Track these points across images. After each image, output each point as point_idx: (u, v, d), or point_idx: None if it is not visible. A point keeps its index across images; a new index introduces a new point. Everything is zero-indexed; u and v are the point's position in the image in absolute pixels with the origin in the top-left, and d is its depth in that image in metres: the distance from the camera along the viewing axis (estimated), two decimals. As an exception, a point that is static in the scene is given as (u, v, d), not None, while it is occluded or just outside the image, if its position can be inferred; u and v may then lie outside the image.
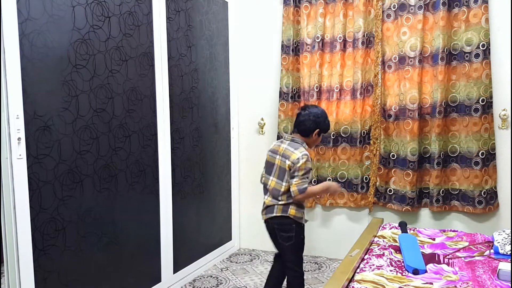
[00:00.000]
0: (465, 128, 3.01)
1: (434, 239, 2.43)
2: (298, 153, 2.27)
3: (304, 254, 3.58)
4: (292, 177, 2.27)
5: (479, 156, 2.97)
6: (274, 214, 2.35)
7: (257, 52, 3.62)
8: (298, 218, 2.36)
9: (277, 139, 3.19)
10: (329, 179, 3.39)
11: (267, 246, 3.38)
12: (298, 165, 2.24)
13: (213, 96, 3.32)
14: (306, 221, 2.43)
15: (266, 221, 2.42)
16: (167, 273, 2.82)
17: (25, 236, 1.87)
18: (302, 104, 3.43)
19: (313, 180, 3.39)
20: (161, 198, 2.74)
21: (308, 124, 2.35)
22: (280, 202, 2.33)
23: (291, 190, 2.27)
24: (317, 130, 2.37)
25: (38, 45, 1.90)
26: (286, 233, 2.35)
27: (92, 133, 2.20)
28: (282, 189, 2.31)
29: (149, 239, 2.66)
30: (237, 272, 3.25)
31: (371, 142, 3.31)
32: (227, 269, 3.32)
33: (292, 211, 2.34)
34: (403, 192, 3.18)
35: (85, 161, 2.17)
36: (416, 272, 1.90)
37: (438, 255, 2.13)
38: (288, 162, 2.28)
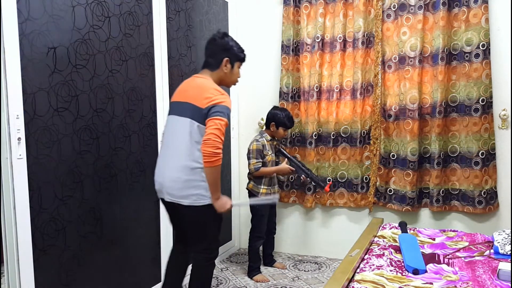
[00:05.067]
0: (465, 128, 3.01)
1: (434, 239, 2.43)
2: (252, 140, 3.06)
3: (304, 254, 3.61)
4: (249, 158, 3.00)
5: (479, 156, 2.97)
6: (246, 187, 3.15)
7: (257, 52, 3.62)
8: (254, 192, 3.07)
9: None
10: (329, 179, 3.39)
11: (267, 246, 3.40)
12: (250, 148, 3.00)
13: (213, 96, 3.31)
14: (275, 196, 3.03)
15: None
16: (167, 273, 2.82)
17: (25, 236, 1.87)
18: (302, 104, 3.44)
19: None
20: (161, 198, 2.74)
21: (267, 117, 3.09)
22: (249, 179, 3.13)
23: (249, 168, 3.01)
24: (273, 123, 3.02)
25: (38, 45, 1.90)
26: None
27: (92, 133, 2.20)
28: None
29: (149, 239, 2.66)
30: (237, 272, 3.25)
31: (371, 142, 3.31)
32: (227, 269, 3.31)
33: (250, 185, 3.10)
34: (403, 192, 3.18)
35: (85, 161, 2.17)
36: (416, 272, 1.90)
37: (438, 255, 2.13)
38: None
